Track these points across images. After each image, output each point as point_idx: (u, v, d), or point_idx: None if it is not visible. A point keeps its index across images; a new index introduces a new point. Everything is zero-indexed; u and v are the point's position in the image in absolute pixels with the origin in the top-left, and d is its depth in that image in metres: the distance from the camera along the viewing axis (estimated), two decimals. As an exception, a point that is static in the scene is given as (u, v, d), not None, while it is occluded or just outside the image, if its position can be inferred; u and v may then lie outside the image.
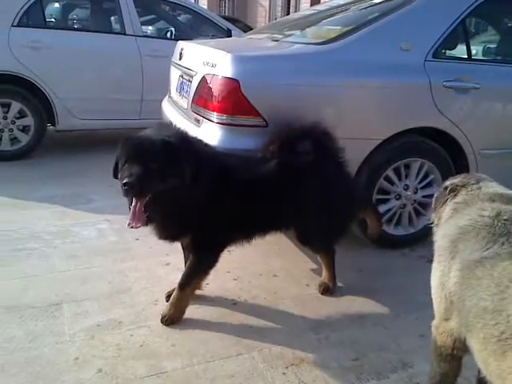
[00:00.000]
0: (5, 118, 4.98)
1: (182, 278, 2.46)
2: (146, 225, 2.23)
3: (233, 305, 2.68)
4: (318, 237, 2.75)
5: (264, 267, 3.09)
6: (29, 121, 5.07)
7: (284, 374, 2.16)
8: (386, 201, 3.33)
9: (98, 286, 2.78)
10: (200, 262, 2.50)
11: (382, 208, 3.30)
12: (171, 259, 3.12)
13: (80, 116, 5.22)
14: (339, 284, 2.90)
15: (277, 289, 2.86)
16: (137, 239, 3.40)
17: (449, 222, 1.80)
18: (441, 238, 1.77)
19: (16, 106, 4.99)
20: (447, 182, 1.98)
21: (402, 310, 2.67)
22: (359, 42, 3.13)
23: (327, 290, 2.82)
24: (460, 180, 1.94)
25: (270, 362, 2.23)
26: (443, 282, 1.67)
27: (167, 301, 2.56)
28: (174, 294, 2.48)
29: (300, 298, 2.76)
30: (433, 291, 1.77)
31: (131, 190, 2.08)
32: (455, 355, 1.72)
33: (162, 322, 2.45)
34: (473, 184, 1.87)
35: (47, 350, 2.23)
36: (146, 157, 2.13)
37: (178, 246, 3.27)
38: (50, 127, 5.36)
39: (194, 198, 2.29)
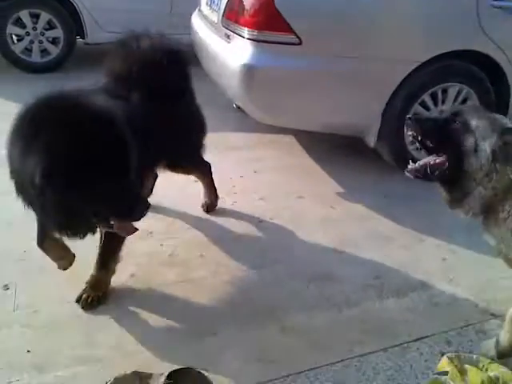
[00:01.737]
0: (34, 28, 4.93)
1: (105, 259, 2.13)
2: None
3: (259, 222, 2.75)
4: (185, 158, 2.58)
5: (290, 188, 3.12)
6: (58, 32, 5.01)
7: (307, 287, 2.25)
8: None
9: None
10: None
11: (414, 134, 3.23)
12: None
13: (107, 29, 5.11)
14: (364, 208, 2.93)
15: (302, 209, 2.91)
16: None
17: None
18: None
19: (45, 17, 4.92)
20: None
21: (426, 234, 2.70)
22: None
23: (212, 206, 2.83)
24: None
25: (293, 275, 2.33)
26: None
27: None
28: (94, 275, 2.12)
29: (325, 219, 2.81)
30: None
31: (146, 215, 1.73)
32: None
33: (87, 307, 2.06)
34: None
35: (79, 252, 2.33)
36: (121, 163, 1.64)
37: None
38: (79, 40, 5.29)
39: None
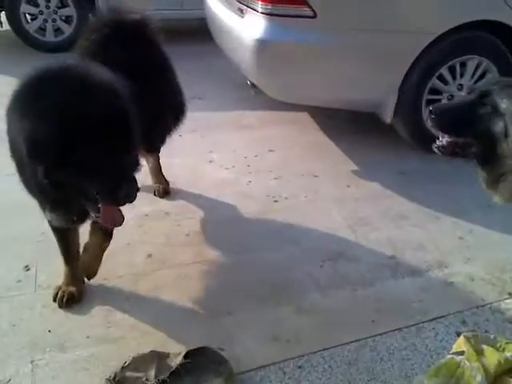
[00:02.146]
0: (47, 7, 4.90)
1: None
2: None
3: (274, 202, 2.75)
4: (155, 138, 2.48)
5: (305, 168, 3.10)
6: (71, 11, 4.98)
7: (321, 266, 2.26)
8: (437, 101, 3.17)
9: (143, 179, 2.86)
10: None
11: (431, 109, 3.17)
12: (214, 156, 3.18)
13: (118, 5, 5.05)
14: (379, 186, 2.90)
15: (317, 188, 2.89)
16: (180, 136, 3.43)
17: None
18: None
19: (56, -5, 4.89)
20: None
21: (442, 213, 2.67)
22: None
23: (165, 193, 2.73)
24: None
25: (308, 255, 2.33)
26: None
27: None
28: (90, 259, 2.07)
29: (340, 198, 2.80)
30: None
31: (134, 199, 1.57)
32: None
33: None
34: None
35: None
36: (120, 140, 1.51)
37: (220, 143, 3.34)
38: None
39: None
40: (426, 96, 3.10)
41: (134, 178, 1.57)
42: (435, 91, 3.13)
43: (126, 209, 2.38)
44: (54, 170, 1.47)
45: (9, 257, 2.24)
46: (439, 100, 3.16)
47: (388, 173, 3.05)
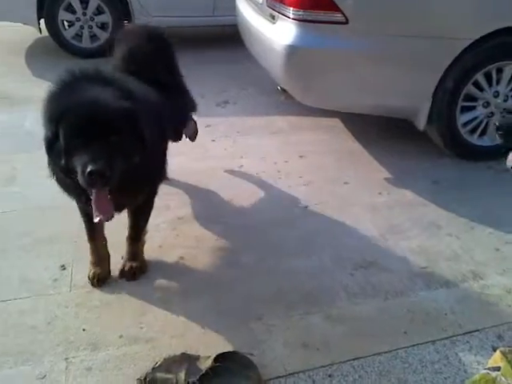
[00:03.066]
0: (84, 14, 5.04)
1: (136, 233, 2.20)
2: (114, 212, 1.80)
3: (304, 208, 2.74)
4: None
5: (336, 174, 3.08)
6: (106, 18, 5.10)
7: (352, 274, 2.24)
8: (471, 108, 3.12)
9: (176, 182, 2.91)
10: (150, 210, 2.22)
11: (467, 116, 3.11)
12: (244, 161, 3.19)
13: (153, 13, 5.15)
14: (412, 194, 2.86)
15: (348, 195, 2.87)
16: (213, 140, 3.48)
17: None
18: None
19: (94, 2, 5.01)
20: None
21: (477, 222, 2.61)
22: None
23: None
24: None
25: (339, 262, 2.31)
26: None
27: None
28: (131, 249, 2.22)
29: (371, 205, 2.76)
30: None
31: (101, 181, 1.63)
32: None
33: (129, 278, 2.18)
34: None
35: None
36: (107, 130, 1.67)
37: (251, 148, 3.35)
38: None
39: (153, 160, 1.95)
40: (460, 103, 3.04)
41: (104, 160, 1.64)
42: (470, 98, 3.07)
43: (160, 212, 2.45)
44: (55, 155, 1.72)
45: (46, 256, 2.30)
46: (474, 107, 3.10)
47: (421, 180, 3.00)
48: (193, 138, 2.94)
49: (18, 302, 2.03)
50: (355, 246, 2.43)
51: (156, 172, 2.10)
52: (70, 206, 2.05)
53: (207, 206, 2.74)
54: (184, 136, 2.79)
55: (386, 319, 1.99)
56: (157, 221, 2.49)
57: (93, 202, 1.73)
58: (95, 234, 2.15)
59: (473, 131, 3.17)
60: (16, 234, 2.44)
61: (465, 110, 3.10)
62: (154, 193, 2.18)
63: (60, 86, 1.80)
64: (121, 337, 1.89)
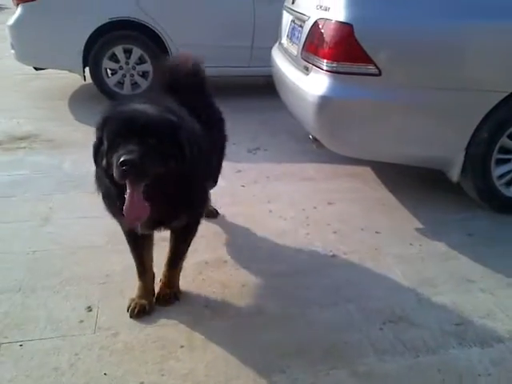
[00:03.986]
0: (127, 63, 5.32)
1: (175, 258, 2.27)
2: (147, 215, 1.82)
3: (331, 257, 2.70)
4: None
5: (366, 223, 3.04)
6: (148, 67, 5.35)
7: (381, 329, 2.16)
8: (507, 161, 3.06)
9: (206, 225, 2.93)
10: (192, 236, 2.25)
11: (502, 169, 3.05)
12: (273, 207, 3.20)
13: (193, 63, 5.37)
14: (445, 246, 2.78)
15: (378, 245, 2.81)
16: (242, 186, 3.52)
17: None
18: None
19: (137, 52, 5.29)
20: None
21: (515, 279, 2.50)
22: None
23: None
24: None
25: (367, 315, 2.24)
26: None
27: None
28: (169, 275, 2.29)
29: (402, 257, 2.70)
30: None
31: (132, 171, 1.69)
32: None
33: (165, 304, 2.26)
34: None
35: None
36: (145, 133, 1.77)
37: (280, 194, 3.36)
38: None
39: (192, 179, 1.98)
40: (495, 155, 2.99)
41: (137, 153, 1.71)
42: (506, 150, 3.02)
43: (187, 255, 2.47)
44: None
45: (73, 297, 2.33)
46: (509, 160, 3.04)
47: (455, 233, 2.92)
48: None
49: (43, 342, 2.05)
50: (385, 299, 2.35)
51: (195, 193, 2.07)
52: (101, 247, 2.09)
53: (234, 252, 2.73)
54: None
55: (415, 378, 1.90)
56: (184, 264, 2.49)
57: (126, 199, 1.77)
58: (143, 266, 2.22)
59: (509, 184, 3.09)
60: (45, 273, 2.49)
61: (500, 162, 3.04)
62: (196, 218, 2.23)
63: (108, 107, 1.97)
64: (142, 383, 1.86)
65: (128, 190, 1.76)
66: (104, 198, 2.03)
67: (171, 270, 2.30)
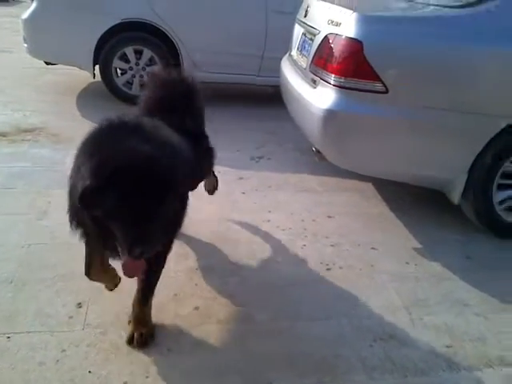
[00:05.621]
0: (137, 64, 5.35)
1: (146, 295, 2.06)
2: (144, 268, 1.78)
3: (326, 270, 2.69)
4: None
5: (364, 238, 3.02)
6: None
7: (371, 346, 2.14)
8: (509, 186, 3.05)
9: (201, 231, 2.93)
10: (161, 269, 2.08)
11: (504, 194, 3.03)
12: (272, 216, 3.19)
13: (202, 68, 5.40)
14: (442, 267, 2.76)
15: (374, 261, 2.80)
16: (243, 193, 3.51)
17: None
18: None
19: (148, 53, 5.31)
20: None
21: (509, 304, 2.48)
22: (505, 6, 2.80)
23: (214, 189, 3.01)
24: None
25: (358, 331, 2.22)
26: None
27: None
28: (140, 315, 2.07)
29: (397, 275, 2.68)
30: None
31: (142, 256, 1.63)
32: None
33: (141, 346, 2.03)
34: None
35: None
36: (156, 201, 1.59)
37: (280, 204, 3.36)
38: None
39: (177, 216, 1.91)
40: (497, 180, 2.98)
41: (150, 243, 1.61)
42: (508, 176, 3.01)
43: (179, 260, 2.46)
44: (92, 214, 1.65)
45: (65, 292, 2.32)
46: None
47: (453, 254, 2.90)
48: (211, 192, 2.99)
49: (31, 336, 2.04)
50: (377, 316, 2.34)
51: (175, 224, 1.95)
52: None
53: (228, 258, 2.72)
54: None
55: (402, 399, 1.88)
56: (175, 268, 2.49)
57: (124, 259, 1.69)
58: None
59: (509, 210, 3.08)
60: (39, 267, 2.48)
61: (502, 187, 3.03)
62: (167, 249, 2.01)
63: (102, 133, 1.78)
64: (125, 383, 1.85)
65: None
66: (84, 229, 1.88)
67: (142, 308, 2.07)
